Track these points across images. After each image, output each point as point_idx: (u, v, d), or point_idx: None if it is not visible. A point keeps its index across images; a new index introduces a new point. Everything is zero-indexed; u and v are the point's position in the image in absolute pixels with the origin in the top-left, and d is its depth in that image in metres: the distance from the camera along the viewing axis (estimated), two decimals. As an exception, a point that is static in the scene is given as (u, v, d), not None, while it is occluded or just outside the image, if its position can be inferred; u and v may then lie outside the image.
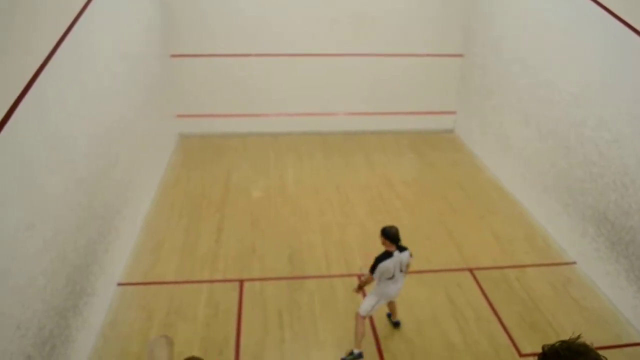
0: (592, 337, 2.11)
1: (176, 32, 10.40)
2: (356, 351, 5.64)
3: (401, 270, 5.47)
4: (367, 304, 5.59)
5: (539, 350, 2.15)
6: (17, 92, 4.25)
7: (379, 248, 7.57)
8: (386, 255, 5.33)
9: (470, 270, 7.19)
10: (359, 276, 5.48)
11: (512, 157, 9.29)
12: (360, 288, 5.78)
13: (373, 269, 5.35)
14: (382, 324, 6.19)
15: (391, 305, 6.08)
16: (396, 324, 6.15)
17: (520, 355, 5.76)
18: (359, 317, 5.62)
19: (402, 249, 5.41)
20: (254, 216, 8.36)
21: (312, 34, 10.82)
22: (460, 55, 11.29)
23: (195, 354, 5.62)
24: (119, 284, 6.75)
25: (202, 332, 5.99)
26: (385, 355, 5.75)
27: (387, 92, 11.50)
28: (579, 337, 2.10)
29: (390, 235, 5.33)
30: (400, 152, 11.01)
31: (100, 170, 6.26)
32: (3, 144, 3.99)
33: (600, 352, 2.07)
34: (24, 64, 4.46)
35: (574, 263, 7.40)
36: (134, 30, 8.13)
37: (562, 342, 2.09)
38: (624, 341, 6.02)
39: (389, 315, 6.24)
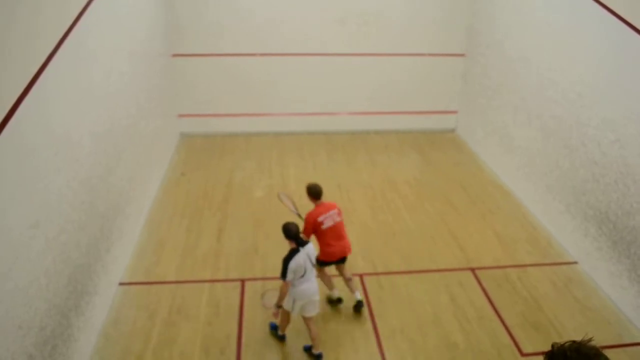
0: (594, 337, 2.08)
1: (178, 31, 10.41)
2: (281, 333, 5.88)
3: (313, 265, 5.42)
4: (285, 304, 5.50)
5: (541, 350, 2.13)
6: (19, 91, 4.26)
7: (381, 248, 7.61)
8: (293, 252, 5.28)
9: (472, 270, 7.18)
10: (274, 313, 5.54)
11: (514, 156, 9.28)
12: (280, 306, 5.47)
13: (284, 273, 5.25)
14: (383, 324, 6.19)
15: (311, 328, 5.65)
16: (317, 357, 5.63)
17: (522, 354, 5.76)
18: (283, 310, 5.58)
19: (303, 243, 5.35)
20: (256, 216, 8.37)
21: (316, 34, 10.83)
22: (462, 55, 11.28)
23: (197, 353, 5.67)
24: (121, 284, 6.76)
25: (204, 331, 6.00)
26: (387, 354, 5.75)
27: (390, 91, 11.51)
28: (590, 339, 2.04)
29: (288, 233, 5.29)
30: (402, 152, 11.01)
31: (103, 169, 6.28)
32: (6, 142, 3.99)
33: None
34: (26, 63, 4.46)
35: (576, 263, 7.39)
36: (136, 29, 8.13)
37: (573, 342, 2.04)
38: (626, 341, 6.01)
39: (307, 348, 5.77)
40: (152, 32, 9.12)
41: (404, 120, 11.79)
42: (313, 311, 5.60)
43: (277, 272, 7.00)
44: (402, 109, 11.72)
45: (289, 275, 5.26)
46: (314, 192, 6.01)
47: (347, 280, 6.35)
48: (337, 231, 5.99)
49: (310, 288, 5.47)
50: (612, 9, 6.56)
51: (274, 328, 5.95)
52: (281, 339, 5.89)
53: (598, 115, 6.90)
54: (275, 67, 11.01)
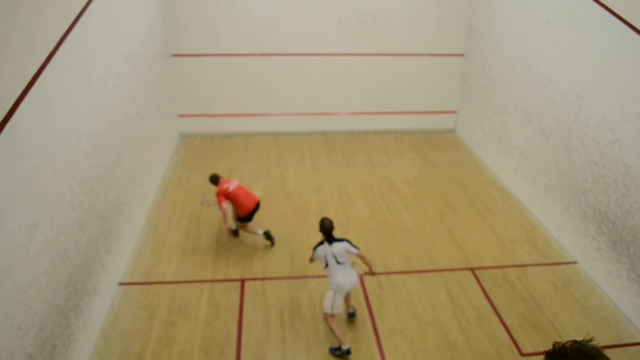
0: (594, 337, 2.09)
1: (177, 31, 10.41)
2: (344, 347, 5.70)
3: (338, 262, 5.75)
4: (326, 301, 5.81)
5: (540, 350, 2.14)
6: (19, 91, 4.26)
7: (380, 248, 7.62)
8: (319, 243, 5.90)
9: (472, 270, 7.19)
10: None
11: (513, 156, 9.28)
12: (312, 260, 6.14)
13: (311, 257, 6.05)
14: (383, 324, 6.20)
15: (346, 297, 6.19)
16: (350, 315, 6.26)
17: (522, 354, 5.75)
18: (327, 317, 5.80)
19: (333, 240, 5.81)
20: (255, 216, 8.34)
21: (315, 34, 10.83)
22: (461, 55, 11.29)
23: (197, 353, 5.67)
24: (121, 284, 6.75)
25: (203, 332, 5.99)
26: (386, 354, 5.75)
27: (389, 92, 11.51)
28: (591, 339, 2.04)
29: (321, 227, 5.88)
30: (402, 152, 11.01)
31: (102, 170, 6.27)
32: (5, 143, 3.99)
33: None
34: (26, 63, 4.46)
35: (575, 262, 7.39)
36: (135, 29, 8.13)
37: (574, 342, 2.04)
38: (625, 341, 6.01)
39: (350, 315, 6.29)
40: (152, 32, 9.11)
41: (403, 121, 11.80)
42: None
43: (276, 272, 7.09)
44: (402, 109, 11.73)
45: (315, 259, 5.98)
46: (212, 179, 7.53)
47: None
48: (242, 190, 7.40)
49: (345, 280, 5.77)
50: (611, 8, 6.56)
51: (334, 351, 5.77)
52: (347, 353, 5.69)
53: (597, 115, 6.90)
54: (274, 67, 11.01)
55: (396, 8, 10.79)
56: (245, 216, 7.42)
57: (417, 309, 6.44)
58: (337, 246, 5.79)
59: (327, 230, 5.83)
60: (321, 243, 5.87)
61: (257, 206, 7.49)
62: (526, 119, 8.76)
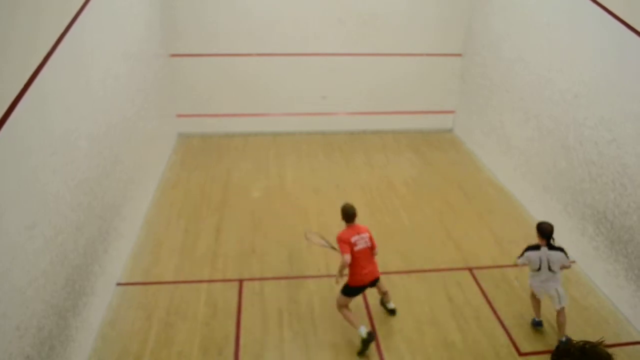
0: (591, 336, 2.09)
1: (175, 31, 10.41)
2: (536, 319, 6.10)
3: (550, 269, 5.67)
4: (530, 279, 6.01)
5: (539, 350, 2.13)
6: (17, 91, 4.25)
7: (379, 248, 7.57)
8: (534, 247, 5.74)
9: (470, 270, 7.19)
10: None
11: (511, 156, 9.29)
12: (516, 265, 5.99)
13: (521, 253, 5.85)
14: (381, 324, 6.20)
15: (559, 318, 5.79)
16: (561, 342, 5.58)
17: (520, 354, 5.75)
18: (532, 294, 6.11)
19: (553, 247, 5.69)
20: (253, 216, 8.36)
21: (315, 34, 10.84)
22: (459, 55, 11.29)
23: (195, 353, 5.67)
24: (119, 284, 6.75)
25: (201, 332, 5.99)
26: (385, 354, 5.75)
27: (388, 91, 11.52)
28: (602, 342, 2.03)
29: (540, 230, 5.71)
30: (400, 152, 11.02)
31: (100, 170, 6.27)
32: (4, 143, 3.99)
33: None
34: (24, 63, 4.46)
35: (574, 262, 7.39)
36: (133, 29, 8.13)
37: (585, 342, 2.02)
38: (624, 340, 6.02)
39: (537, 320, 6.15)
40: (150, 32, 9.11)
41: (401, 120, 11.80)
42: (556, 304, 5.80)
43: (275, 272, 7.08)
44: (400, 109, 11.73)
45: (522, 259, 5.82)
46: (346, 212, 5.86)
47: (384, 293, 6.28)
48: (366, 256, 5.73)
49: (540, 286, 5.86)
50: (610, 9, 6.57)
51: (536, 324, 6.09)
52: (538, 325, 6.09)
53: (595, 115, 6.91)
54: (273, 67, 11.01)
55: (396, 8, 10.80)
56: (354, 287, 5.80)
57: (415, 309, 6.44)
58: (553, 253, 5.67)
59: (546, 233, 5.64)
60: (536, 247, 5.71)
61: (373, 282, 5.90)
62: (524, 118, 8.77)
